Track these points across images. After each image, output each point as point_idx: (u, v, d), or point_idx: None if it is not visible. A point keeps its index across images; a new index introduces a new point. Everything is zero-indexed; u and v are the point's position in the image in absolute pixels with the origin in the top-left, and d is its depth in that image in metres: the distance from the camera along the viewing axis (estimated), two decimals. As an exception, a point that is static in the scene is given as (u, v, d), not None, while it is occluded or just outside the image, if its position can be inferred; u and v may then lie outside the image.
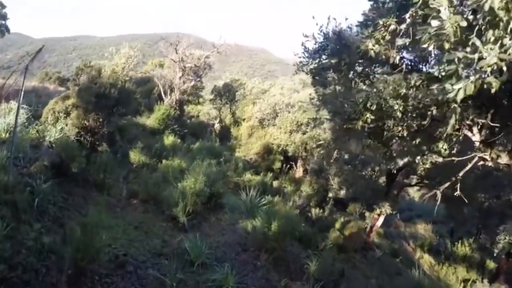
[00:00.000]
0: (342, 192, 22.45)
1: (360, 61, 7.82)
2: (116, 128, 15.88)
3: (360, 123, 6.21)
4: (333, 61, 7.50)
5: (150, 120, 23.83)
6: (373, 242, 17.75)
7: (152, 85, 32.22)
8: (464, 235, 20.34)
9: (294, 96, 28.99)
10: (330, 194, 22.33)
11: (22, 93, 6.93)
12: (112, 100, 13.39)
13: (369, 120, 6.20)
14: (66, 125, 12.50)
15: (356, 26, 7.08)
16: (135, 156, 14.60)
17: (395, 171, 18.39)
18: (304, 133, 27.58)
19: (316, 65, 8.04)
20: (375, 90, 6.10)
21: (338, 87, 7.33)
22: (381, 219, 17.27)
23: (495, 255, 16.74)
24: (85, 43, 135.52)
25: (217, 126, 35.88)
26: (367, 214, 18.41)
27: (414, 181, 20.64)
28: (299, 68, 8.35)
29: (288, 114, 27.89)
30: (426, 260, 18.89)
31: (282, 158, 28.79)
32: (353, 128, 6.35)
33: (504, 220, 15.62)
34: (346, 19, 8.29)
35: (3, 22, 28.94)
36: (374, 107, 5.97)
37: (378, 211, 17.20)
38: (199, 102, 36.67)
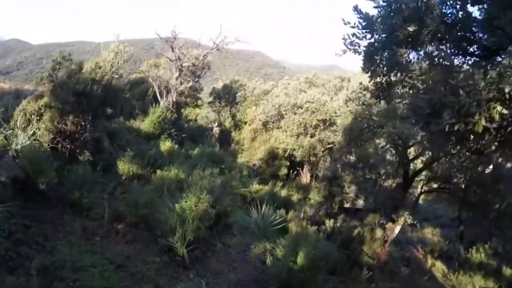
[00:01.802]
0: (360, 202, 20.38)
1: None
2: (105, 133, 13.60)
3: (483, 121, 3.72)
4: (410, 28, 4.96)
5: (145, 124, 21.45)
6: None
7: (147, 86, 29.86)
8: (475, 239, 19.08)
9: (300, 96, 26.77)
10: (347, 204, 20.23)
11: None
12: (96, 99, 11.01)
13: (497, 116, 3.77)
14: (39, 129, 10.15)
15: None
16: (124, 166, 12.13)
17: (411, 175, 16.96)
18: (312, 136, 25.47)
19: (377, 38, 5.53)
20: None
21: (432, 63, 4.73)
22: (398, 228, 16.05)
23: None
24: (82, 48, 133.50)
25: (216, 130, 33.72)
26: (387, 225, 16.71)
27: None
28: (350, 44, 5.78)
29: (294, 116, 25.69)
30: (439, 268, 17.68)
31: (288, 163, 26.75)
32: (472, 130, 3.84)
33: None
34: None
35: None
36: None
37: (399, 221, 15.58)
38: (197, 104, 34.34)
